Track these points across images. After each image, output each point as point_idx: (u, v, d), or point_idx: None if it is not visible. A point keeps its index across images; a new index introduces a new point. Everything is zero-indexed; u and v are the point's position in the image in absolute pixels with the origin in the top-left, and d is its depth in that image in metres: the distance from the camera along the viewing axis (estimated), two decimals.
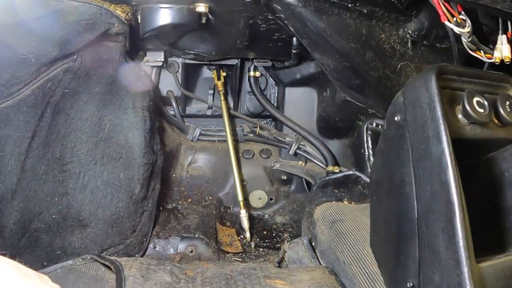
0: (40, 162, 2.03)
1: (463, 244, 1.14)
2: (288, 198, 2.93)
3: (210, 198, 2.76)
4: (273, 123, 3.09)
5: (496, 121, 1.43)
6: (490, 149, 1.53)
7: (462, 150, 1.28)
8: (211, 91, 2.92)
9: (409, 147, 1.37)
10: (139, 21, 2.10)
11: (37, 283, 1.17)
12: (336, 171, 2.64)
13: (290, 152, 2.84)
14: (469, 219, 1.17)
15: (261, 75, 2.94)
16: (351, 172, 2.42)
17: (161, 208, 2.50)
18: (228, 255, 2.39)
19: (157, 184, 2.35)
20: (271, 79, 2.99)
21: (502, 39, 1.71)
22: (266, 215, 2.86)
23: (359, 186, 2.37)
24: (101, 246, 2.11)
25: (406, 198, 1.38)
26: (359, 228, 1.98)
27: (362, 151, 2.49)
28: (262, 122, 3.04)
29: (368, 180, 2.31)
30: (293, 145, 2.82)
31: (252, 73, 2.89)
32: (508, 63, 1.69)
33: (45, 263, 2.01)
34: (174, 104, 2.83)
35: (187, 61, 2.76)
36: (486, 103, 1.36)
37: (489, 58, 1.74)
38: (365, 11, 1.91)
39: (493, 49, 1.74)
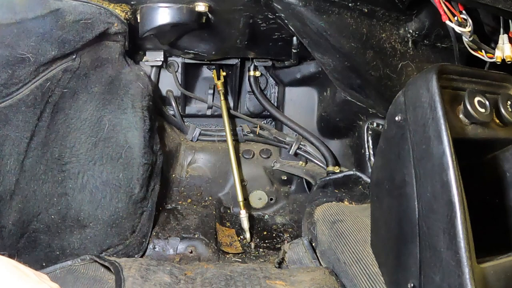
0: (39, 162, 2.02)
1: (464, 245, 1.13)
2: (288, 198, 2.93)
3: (210, 198, 2.76)
4: (273, 123, 3.08)
5: (497, 121, 1.43)
6: (492, 149, 1.52)
7: (463, 150, 1.28)
8: (211, 91, 2.92)
9: (410, 147, 1.36)
10: (139, 21, 2.10)
11: (35, 282, 1.17)
12: (336, 171, 2.63)
13: (290, 152, 2.84)
14: (470, 219, 1.17)
15: (261, 74, 2.94)
16: (351, 172, 2.41)
17: (160, 208, 2.49)
18: (228, 256, 2.38)
19: (156, 185, 2.34)
20: (271, 78, 2.98)
21: (503, 38, 1.71)
22: (266, 216, 2.85)
23: (360, 187, 2.36)
24: (100, 247, 2.11)
25: (407, 198, 1.37)
26: (360, 229, 1.97)
27: (363, 151, 2.48)
28: (262, 122, 3.03)
29: (368, 180, 2.31)
30: (293, 145, 2.81)
31: (252, 73, 2.89)
32: (509, 62, 1.69)
33: (44, 264, 2.00)
34: (173, 104, 2.82)
35: (187, 60, 2.76)
36: (487, 103, 1.36)
37: (491, 58, 1.74)
38: (366, 11, 1.91)
39: (494, 49, 1.73)
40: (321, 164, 2.78)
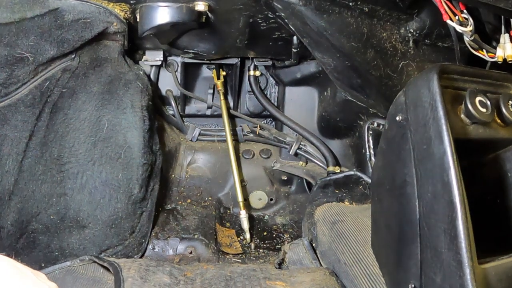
0: (38, 162, 2.02)
1: (465, 245, 1.12)
2: (289, 198, 2.92)
3: (210, 198, 2.75)
4: (273, 123, 3.07)
5: (498, 120, 1.42)
6: (493, 149, 1.52)
7: (464, 150, 1.28)
8: (211, 91, 2.91)
9: (410, 147, 1.36)
10: (138, 20, 2.09)
11: (33, 281, 1.16)
12: (337, 171, 2.62)
13: (290, 152, 2.83)
14: (471, 220, 1.16)
15: (261, 74, 2.93)
16: (352, 173, 2.40)
17: (160, 208, 2.49)
18: (227, 256, 2.37)
19: (156, 185, 2.33)
20: (271, 78, 2.98)
21: (505, 37, 1.70)
22: (266, 216, 2.84)
23: (360, 187, 2.36)
24: (100, 247, 2.10)
25: (407, 198, 1.37)
26: (360, 229, 1.97)
27: (363, 151, 2.48)
28: (262, 122, 3.02)
29: (369, 180, 2.30)
30: (294, 145, 2.80)
31: (252, 72, 2.88)
32: (511, 62, 1.68)
33: (42, 264, 2.00)
34: (173, 104, 2.81)
35: (187, 60, 2.75)
36: (488, 102, 1.35)
37: (492, 57, 1.73)
38: (366, 10, 1.90)
39: (495, 48, 1.73)
40: (321, 164, 2.77)
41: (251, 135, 2.92)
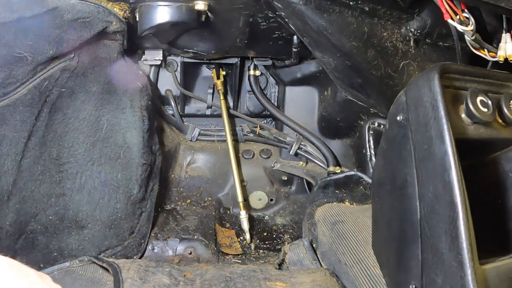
0: (37, 163, 2.01)
1: (467, 246, 1.12)
2: (289, 199, 2.91)
3: (209, 199, 2.75)
4: (273, 122, 3.07)
5: (500, 120, 1.42)
6: (494, 149, 1.51)
7: (466, 150, 1.27)
8: (211, 90, 2.91)
9: (411, 147, 1.35)
10: (137, 19, 2.09)
11: (36, 282, 1.14)
12: (337, 171, 2.62)
13: (290, 152, 2.82)
14: (473, 220, 1.15)
15: (261, 74, 2.92)
16: (352, 173, 2.40)
17: (159, 209, 2.48)
18: (227, 257, 2.37)
19: (155, 185, 2.33)
20: (271, 78, 2.97)
21: (506, 37, 1.70)
22: (266, 216, 2.84)
23: (361, 187, 2.35)
24: (99, 248, 2.10)
25: (408, 199, 1.36)
26: (361, 230, 1.96)
27: (364, 151, 2.47)
28: (262, 122, 3.02)
29: (370, 180, 2.30)
30: (294, 145, 2.80)
31: (252, 72, 2.87)
32: None
33: (41, 265, 2.00)
34: (172, 104, 2.81)
35: (186, 59, 2.74)
36: (490, 102, 1.35)
37: (493, 57, 1.73)
38: (367, 9, 1.90)
39: (497, 48, 1.72)
40: (321, 165, 2.76)
41: (251, 135, 2.92)
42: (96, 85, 2.11)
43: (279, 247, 2.50)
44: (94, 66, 2.11)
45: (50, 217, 2.04)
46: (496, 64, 1.77)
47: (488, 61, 1.78)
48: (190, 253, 2.28)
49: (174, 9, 2.01)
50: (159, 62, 2.63)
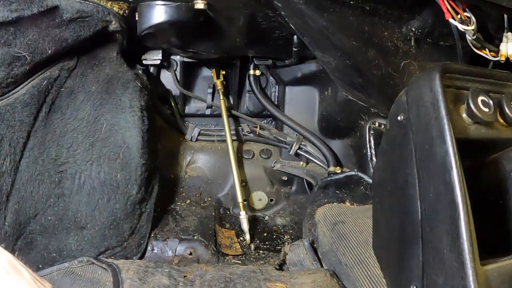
0: (36, 163, 2.00)
1: (468, 246, 1.11)
2: (289, 199, 2.91)
3: (209, 199, 2.74)
4: (273, 122, 3.06)
5: (501, 120, 1.41)
6: (495, 149, 1.50)
7: (467, 150, 1.26)
8: (210, 90, 2.90)
9: (412, 147, 1.34)
10: (137, 19, 2.08)
11: (26, 280, 1.14)
12: (337, 171, 2.62)
13: (290, 152, 2.82)
14: (474, 220, 1.15)
15: (262, 73, 2.91)
16: (353, 173, 2.40)
17: (159, 209, 2.47)
18: (227, 258, 2.36)
19: (155, 185, 2.33)
20: (271, 77, 2.97)
21: (507, 37, 1.70)
22: (267, 217, 2.83)
23: (361, 187, 2.35)
24: (98, 249, 2.09)
25: (409, 199, 1.35)
26: (361, 230, 1.96)
27: (365, 151, 2.47)
28: (262, 122, 3.02)
29: (370, 181, 2.30)
30: (294, 145, 2.79)
31: (252, 72, 2.86)
32: None
33: (40, 266, 1.99)
34: (172, 103, 2.81)
35: (186, 59, 2.74)
36: (491, 102, 1.34)
37: (494, 57, 1.73)
38: (368, 8, 1.89)
39: (498, 47, 1.72)
40: (322, 165, 2.76)
41: (251, 135, 2.91)
42: (95, 84, 2.11)
43: (279, 247, 2.50)
44: (93, 65, 2.11)
45: (49, 218, 2.03)
46: (497, 63, 1.77)
47: (489, 60, 1.77)
48: (190, 254, 2.27)
49: (174, 8, 2.01)
50: (158, 62, 2.61)
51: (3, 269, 1.15)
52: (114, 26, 2.04)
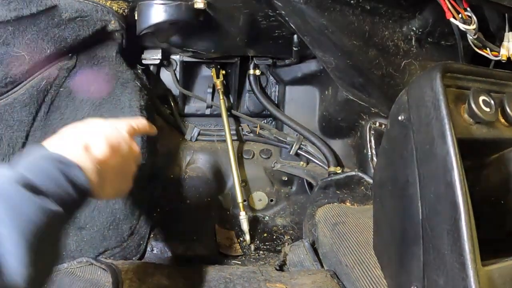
0: None
1: (469, 247, 1.11)
2: (289, 199, 2.90)
3: (209, 199, 2.72)
4: (273, 122, 3.05)
5: (502, 120, 1.40)
6: (497, 149, 1.50)
7: (468, 150, 1.26)
8: (210, 90, 2.88)
9: (413, 147, 1.34)
10: (136, 18, 2.07)
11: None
12: (338, 171, 2.61)
13: (291, 152, 2.81)
14: (475, 221, 1.15)
15: (262, 73, 2.90)
16: (353, 173, 2.39)
17: (158, 210, 2.46)
18: (227, 258, 2.35)
19: (154, 186, 2.31)
20: (271, 77, 2.96)
21: (509, 36, 1.69)
22: (267, 217, 2.83)
23: (362, 187, 2.34)
24: (97, 249, 2.08)
25: (410, 199, 1.35)
26: (362, 230, 1.95)
27: (365, 151, 2.47)
28: (263, 122, 3.00)
29: (371, 181, 2.29)
30: (294, 145, 2.78)
31: (252, 71, 2.85)
32: None
33: None
34: (172, 103, 2.80)
35: (186, 59, 2.72)
36: (492, 102, 1.34)
37: (496, 56, 1.72)
38: (368, 8, 1.88)
39: (499, 47, 1.72)
40: (322, 165, 2.75)
41: (251, 135, 2.90)
42: (94, 84, 2.10)
43: (280, 248, 2.49)
44: (92, 65, 2.10)
45: None
46: (498, 63, 1.76)
47: (490, 60, 1.77)
48: (190, 254, 2.26)
49: (173, 7, 2.00)
50: (158, 61, 2.61)
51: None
52: (113, 25, 2.04)
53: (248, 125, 2.93)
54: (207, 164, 2.82)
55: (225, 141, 2.73)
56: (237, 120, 2.98)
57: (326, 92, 2.70)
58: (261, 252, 2.48)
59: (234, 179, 2.61)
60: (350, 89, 2.26)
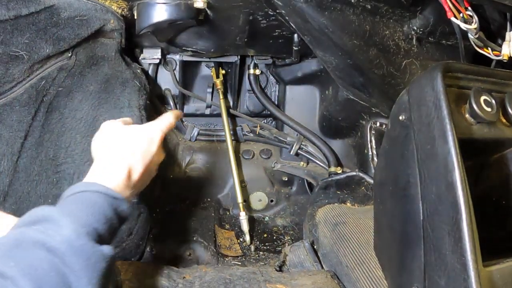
0: (33, 163, 1.99)
1: (470, 247, 1.10)
2: (289, 200, 2.90)
3: (209, 200, 2.72)
4: (273, 122, 3.05)
5: (504, 120, 1.40)
6: (498, 149, 1.51)
7: (469, 150, 1.26)
8: (210, 89, 2.88)
9: (414, 147, 1.34)
10: (135, 17, 2.06)
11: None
12: (338, 172, 2.60)
13: (291, 153, 2.80)
14: (476, 221, 1.14)
15: (262, 72, 2.90)
16: (354, 173, 2.39)
17: (158, 210, 2.46)
18: (227, 259, 2.35)
19: (154, 186, 2.31)
20: (271, 77, 2.95)
21: (510, 35, 1.70)
22: (267, 218, 2.82)
23: (363, 188, 2.34)
24: None
25: (411, 200, 1.35)
26: (363, 231, 1.96)
27: (366, 151, 2.46)
28: (263, 122, 3.00)
29: (371, 181, 2.29)
30: (294, 145, 2.78)
31: (252, 71, 2.85)
32: None
33: None
34: (171, 103, 2.79)
35: (185, 58, 2.71)
36: (493, 101, 1.34)
37: (497, 56, 1.72)
38: (369, 7, 1.88)
39: (501, 46, 1.72)
40: (322, 165, 2.74)
41: (251, 135, 2.90)
42: (93, 84, 2.09)
43: (280, 248, 2.48)
44: (91, 65, 2.09)
45: None
46: (500, 63, 1.76)
47: (492, 59, 1.77)
48: (189, 255, 2.25)
49: (173, 7, 1.99)
50: (157, 61, 2.61)
51: (118, 124, 1.51)
52: (112, 24, 2.03)
53: (248, 125, 2.92)
54: (206, 164, 2.81)
55: (224, 141, 2.73)
56: (237, 120, 2.97)
57: (327, 92, 2.69)
58: (261, 252, 2.47)
59: (234, 179, 2.60)
60: (351, 89, 2.25)
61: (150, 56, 2.57)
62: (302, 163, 2.85)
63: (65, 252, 1.01)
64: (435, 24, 1.96)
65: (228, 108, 2.83)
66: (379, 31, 1.94)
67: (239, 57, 2.75)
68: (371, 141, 2.43)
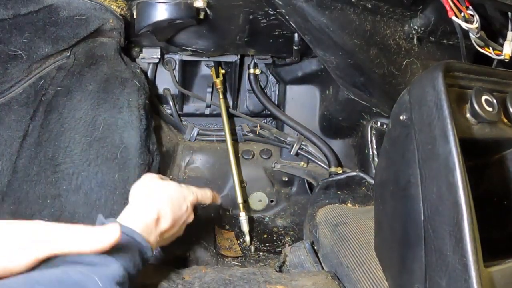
0: (32, 163, 1.98)
1: (471, 248, 1.10)
2: (289, 200, 2.89)
3: None
4: (273, 122, 3.04)
5: (505, 120, 1.40)
6: (499, 149, 1.51)
7: (470, 150, 1.26)
8: (210, 89, 2.87)
9: (415, 147, 1.33)
10: (135, 16, 2.06)
11: (174, 184, 1.61)
12: (339, 172, 2.59)
13: (291, 153, 2.79)
14: (477, 221, 1.13)
15: (261, 72, 2.89)
16: (354, 173, 2.38)
17: None
18: (227, 260, 2.34)
19: None
20: (271, 76, 2.94)
21: (511, 35, 1.68)
22: (267, 218, 2.81)
23: (363, 188, 2.33)
24: None
25: (412, 200, 1.34)
26: (363, 231, 1.95)
27: (366, 151, 2.46)
28: (263, 121, 2.99)
29: (372, 181, 2.28)
30: (295, 145, 2.77)
31: (252, 71, 2.84)
32: None
33: None
34: (171, 103, 2.78)
35: (185, 57, 2.71)
36: (495, 101, 1.34)
37: (498, 55, 1.72)
38: (369, 6, 1.87)
39: (502, 46, 1.71)
40: (323, 165, 2.73)
41: (251, 134, 2.89)
42: (92, 83, 2.09)
43: (280, 249, 2.48)
44: (90, 64, 2.09)
45: (46, 219, 1.97)
46: (501, 62, 1.76)
47: (493, 59, 1.76)
48: (189, 256, 2.25)
49: (173, 6, 1.99)
50: (157, 60, 2.60)
51: (157, 177, 1.61)
52: (111, 24, 2.03)
53: (248, 125, 2.92)
54: (206, 164, 2.80)
55: (224, 141, 2.72)
56: (237, 120, 2.96)
57: (327, 92, 2.69)
58: (261, 253, 2.47)
59: (234, 180, 2.60)
60: (351, 89, 2.25)
61: (149, 55, 2.56)
62: (302, 163, 2.84)
63: None
64: (436, 24, 1.95)
65: (228, 108, 2.83)
66: (380, 30, 1.93)
67: (239, 56, 2.74)
68: (371, 141, 2.43)
